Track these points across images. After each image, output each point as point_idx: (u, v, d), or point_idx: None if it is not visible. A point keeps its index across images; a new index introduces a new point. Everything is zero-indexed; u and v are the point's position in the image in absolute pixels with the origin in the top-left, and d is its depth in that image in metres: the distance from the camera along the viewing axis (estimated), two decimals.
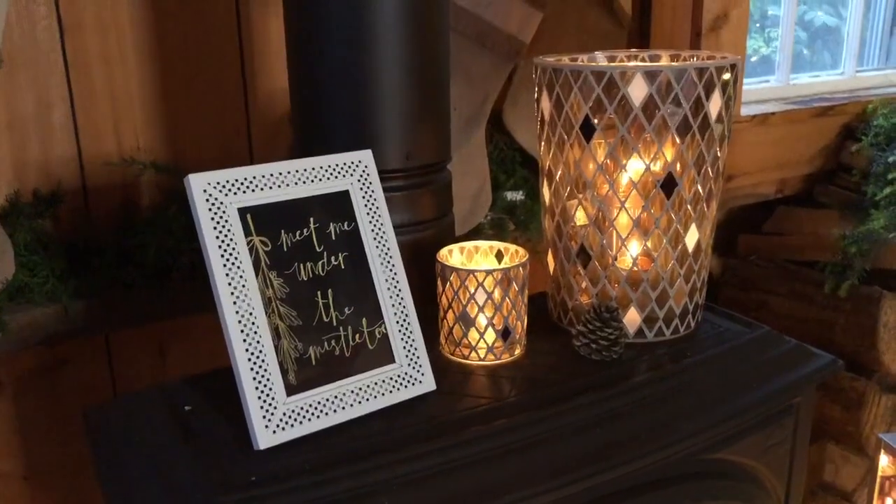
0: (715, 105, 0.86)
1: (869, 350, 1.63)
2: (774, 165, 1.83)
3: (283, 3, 0.97)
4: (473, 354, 0.88)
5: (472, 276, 0.85)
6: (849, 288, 1.64)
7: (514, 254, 0.90)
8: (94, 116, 1.17)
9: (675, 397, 0.85)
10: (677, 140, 0.86)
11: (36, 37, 1.12)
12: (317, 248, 0.77)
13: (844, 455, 1.69)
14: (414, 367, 0.81)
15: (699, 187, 0.89)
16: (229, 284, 0.71)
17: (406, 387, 0.80)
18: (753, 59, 2.06)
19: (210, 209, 0.71)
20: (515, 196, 1.50)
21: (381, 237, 0.81)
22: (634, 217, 0.89)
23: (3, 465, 1.18)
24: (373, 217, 0.81)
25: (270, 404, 0.72)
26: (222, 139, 1.27)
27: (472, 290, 0.85)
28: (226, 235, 0.71)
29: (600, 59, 0.98)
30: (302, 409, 0.74)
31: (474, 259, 0.93)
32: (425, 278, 0.93)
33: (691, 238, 0.91)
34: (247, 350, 0.71)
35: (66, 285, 1.14)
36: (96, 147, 1.19)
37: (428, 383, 0.82)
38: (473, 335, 0.87)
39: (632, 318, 0.92)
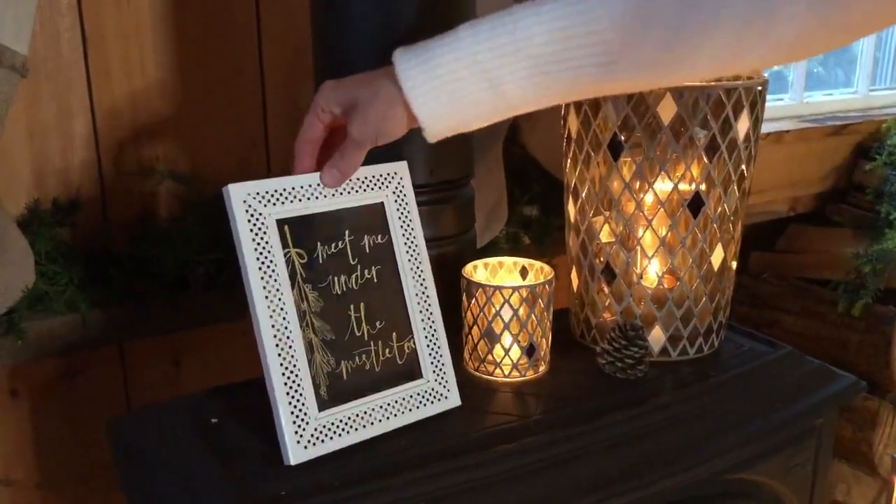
0: (743, 125, 0.86)
1: (882, 370, 1.63)
2: (787, 183, 1.83)
3: (311, 19, 0.97)
4: (498, 371, 0.88)
5: (498, 292, 0.85)
6: (863, 307, 1.64)
7: (539, 270, 0.90)
8: (114, 126, 1.18)
9: (699, 417, 0.85)
10: (705, 159, 0.86)
11: (60, 47, 1.12)
12: (351, 260, 0.77)
13: (856, 474, 1.69)
14: (441, 383, 0.81)
15: (725, 207, 0.89)
16: (266, 297, 0.70)
17: (433, 402, 0.80)
18: (765, 74, 2.06)
19: (249, 220, 0.71)
20: (531, 211, 1.50)
21: (414, 250, 0.81)
22: (660, 235, 0.89)
23: (17, 474, 1.18)
24: (406, 230, 0.81)
25: (303, 419, 0.71)
26: (241, 150, 1.28)
27: (498, 307, 0.85)
28: (264, 247, 0.71)
29: None
30: (333, 424, 0.73)
31: (498, 275, 0.93)
32: (447, 293, 0.93)
33: (717, 257, 0.91)
34: (281, 364, 0.71)
35: (84, 294, 1.14)
36: (115, 156, 1.19)
37: (454, 399, 0.82)
38: (498, 352, 0.87)
39: (656, 336, 0.92)
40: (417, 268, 0.81)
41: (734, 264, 0.95)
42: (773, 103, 1.94)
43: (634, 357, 0.87)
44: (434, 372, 0.81)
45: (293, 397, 0.71)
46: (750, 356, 0.95)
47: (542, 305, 0.86)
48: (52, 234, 1.15)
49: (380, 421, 0.76)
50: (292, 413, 0.71)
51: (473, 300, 0.87)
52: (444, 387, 0.81)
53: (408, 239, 0.81)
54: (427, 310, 0.81)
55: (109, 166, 1.19)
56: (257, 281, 0.70)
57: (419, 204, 0.94)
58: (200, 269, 1.21)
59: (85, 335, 1.14)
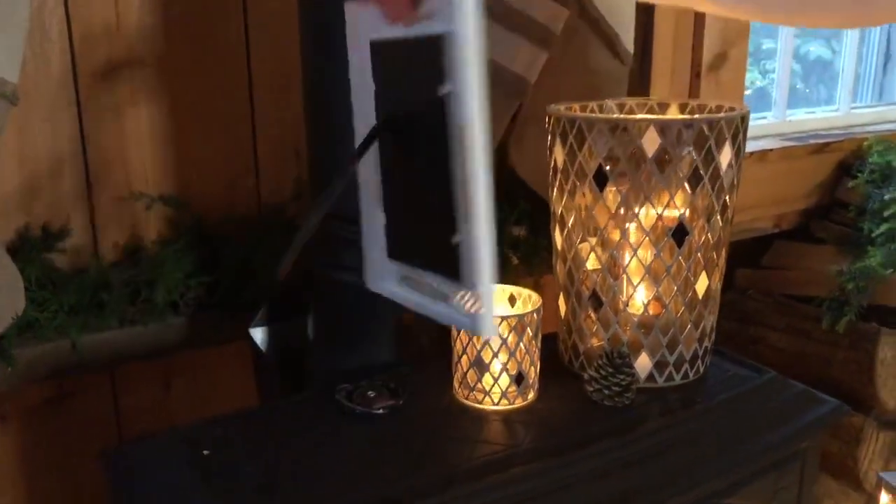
0: (725, 156, 0.88)
1: (866, 386, 1.65)
2: (771, 201, 1.85)
3: (300, 38, 0.98)
4: (487, 399, 0.89)
5: None
6: (846, 324, 1.67)
7: (527, 298, 0.92)
8: (104, 151, 1.18)
9: (687, 443, 0.86)
10: (688, 189, 0.88)
11: (50, 74, 1.13)
12: None
13: (843, 490, 1.70)
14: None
15: (709, 235, 0.91)
16: None
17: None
18: (748, 91, 2.09)
19: None
20: (519, 231, 1.51)
21: None
22: (646, 264, 0.90)
23: (5, 499, 1.18)
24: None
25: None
26: (230, 174, 1.28)
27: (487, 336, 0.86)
28: None
29: (611, 107, 1.00)
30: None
31: None
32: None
33: (701, 285, 0.92)
34: None
35: (74, 320, 1.14)
36: (105, 181, 1.20)
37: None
38: (488, 380, 0.88)
39: (643, 362, 0.93)
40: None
41: (719, 292, 0.97)
42: (756, 122, 1.96)
43: (621, 384, 0.88)
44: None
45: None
46: (735, 381, 0.97)
47: (530, 334, 0.88)
48: (42, 260, 1.15)
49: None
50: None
51: (463, 329, 0.88)
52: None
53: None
54: None
55: (100, 191, 1.19)
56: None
57: None
58: (191, 293, 1.22)
59: (75, 360, 1.14)
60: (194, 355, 1.26)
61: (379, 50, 0.65)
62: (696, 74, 1.65)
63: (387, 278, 0.69)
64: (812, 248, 1.86)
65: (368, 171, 0.69)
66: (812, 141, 1.89)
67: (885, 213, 1.72)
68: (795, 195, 1.88)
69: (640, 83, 1.62)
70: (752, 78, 2.22)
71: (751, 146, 1.81)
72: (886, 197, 1.74)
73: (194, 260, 1.22)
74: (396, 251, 0.68)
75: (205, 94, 1.23)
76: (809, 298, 1.79)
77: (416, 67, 0.62)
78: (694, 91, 1.64)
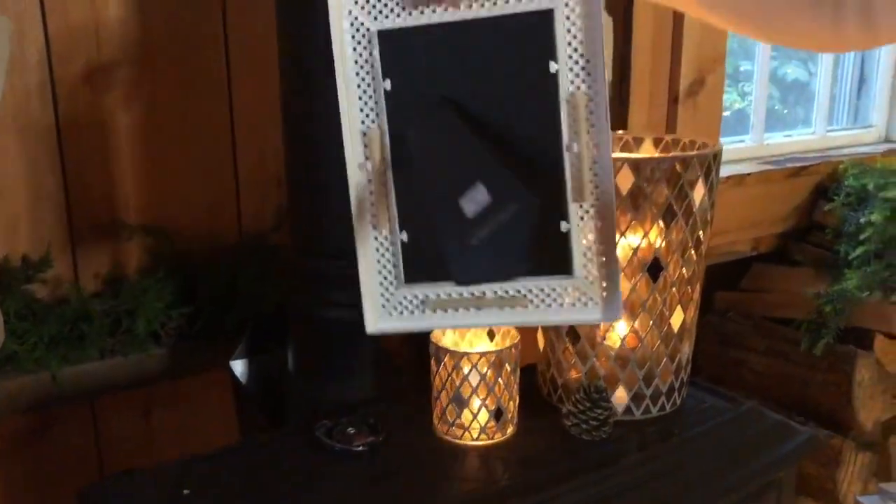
0: (698, 192, 0.90)
1: (844, 408, 1.67)
2: (749, 224, 1.88)
3: (279, 67, 0.99)
4: (466, 435, 0.89)
5: (466, 357, 0.87)
6: (824, 346, 1.69)
7: (506, 333, 0.92)
8: (84, 181, 1.19)
9: (664, 476, 0.87)
10: (662, 225, 0.89)
11: (30, 104, 1.13)
12: None
13: None
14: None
15: (684, 270, 0.92)
16: None
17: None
18: (727, 113, 2.12)
19: None
20: None
21: None
22: (623, 298, 0.91)
23: None
24: None
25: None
26: (211, 202, 1.29)
27: (466, 372, 0.87)
28: None
29: None
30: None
31: (466, 338, 0.95)
32: (417, 355, 0.95)
33: (677, 319, 0.94)
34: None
35: (54, 352, 1.14)
36: (86, 211, 1.20)
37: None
38: (467, 416, 0.89)
39: (620, 395, 0.95)
40: None
41: (694, 324, 0.98)
42: (734, 145, 1.99)
43: (599, 419, 0.89)
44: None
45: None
46: (712, 413, 0.98)
47: (508, 369, 0.89)
48: (22, 292, 1.15)
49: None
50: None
51: (442, 365, 0.89)
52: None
53: None
54: None
55: (80, 222, 1.19)
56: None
57: None
58: (172, 323, 1.22)
59: (55, 392, 1.14)
60: (175, 385, 1.26)
61: (416, 35, 0.61)
62: (673, 100, 1.67)
63: (400, 309, 0.65)
64: (790, 271, 1.88)
65: (372, 188, 0.64)
66: (789, 164, 1.92)
67: (861, 237, 1.75)
68: (773, 218, 1.91)
69: (618, 110, 1.64)
70: (731, 100, 2.25)
71: (729, 170, 1.83)
72: (862, 220, 1.77)
73: (175, 290, 1.22)
74: (426, 271, 0.63)
75: (186, 124, 1.24)
76: (788, 320, 1.81)
77: (504, 47, 0.59)
78: (671, 116, 1.66)
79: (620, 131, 1.08)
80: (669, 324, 0.94)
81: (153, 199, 1.24)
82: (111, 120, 1.19)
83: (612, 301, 0.61)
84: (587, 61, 0.58)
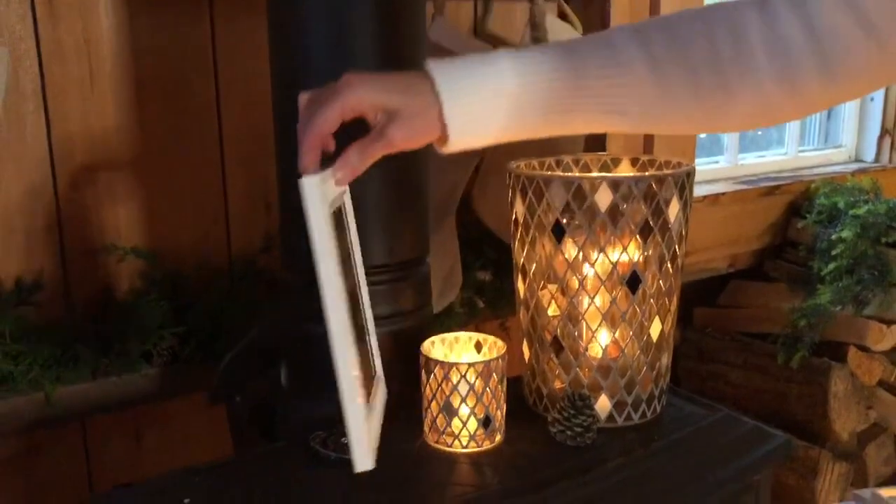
0: (673, 209, 0.94)
1: (821, 419, 1.72)
2: (726, 241, 1.93)
3: (272, 87, 1.03)
4: (456, 443, 0.93)
5: (454, 368, 0.90)
6: (800, 359, 1.73)
7: (493, 345, 0.96)
8: (76, 205, 1.21)
9: (645, 480, 0.91)
10: (640, 240, 0.94)
11: (24, 131, 1.16)
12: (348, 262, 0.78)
13: None
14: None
15: (661, 283, 0.97)
16: (343, 298, 0.69)
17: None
18: (703, 134, 2.18)
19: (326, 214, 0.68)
20: (484, 276, 1.56)
21: (357, 255, 0.85)
22: (603, 310, 0.96)
23: None
24: (352, 234, 0.84)
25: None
26: (201, 225, 1.32)
27: (455, 382, 0.90)
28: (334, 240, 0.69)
29: (567, 162, 1.07)
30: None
31: (455, 349, 0.98)
32: (408, 365, 0.98)
33: (655, 329, 0.98)
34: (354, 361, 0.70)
35: (48, 373, 1.16)
36: (78, 234, 1.22)
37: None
38: (456, 424, 0.92)
39: (602, 404, 0.98)
40: (361, 273, 0.85)
41: (672, 334, 1.02)
42: (709, 166, 2.05)
43: (583, 425, 0.93)
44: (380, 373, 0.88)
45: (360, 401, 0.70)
46: (690, 419, 1.02)
47: (496, 379, 0.92)
48: (15, 314, 1.17)
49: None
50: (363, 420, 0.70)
51: (432, 376, 0.92)
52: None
53: (354, 244, 0.84)
54: (368, 311, 0.86)
55: (71, 244, 1.22)
56: (338, 274, 0.68)
57: (379, 283, 1.00)
58: (164, 344, 1.24)
59: (48, 413, 1.15)
60: (165, 406, 1.28)
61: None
62: None
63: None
64: (766, 287, 1.94)
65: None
66: (763, 184, 1.99)
67: (833, 252, 1.81)
68: (748, 236, 1.97)
69: (598, 133, 1.69)
70: None
71: (705, 189, 1.89)
72: (833, 237, 1.83)
73: (167, 311, 1.24)
74: None
75: (176, 148, 1.27)
76: (765, 335, 1.86)
77: None
78: (648, 138, 1.71)
79: (600, 153, 1.13)
80: (649, 334, 0.98)
81: (144, 222, 1.27)
82: (105, 146, 1.22)
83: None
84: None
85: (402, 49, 0.97)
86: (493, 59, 0.68)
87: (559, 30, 1.42)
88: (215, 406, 1.20)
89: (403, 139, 0.69)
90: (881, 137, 2.25)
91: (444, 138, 0.69)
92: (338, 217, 0.74)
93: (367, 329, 0.85)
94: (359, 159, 0.69)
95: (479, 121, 0.68)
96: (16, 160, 1.16)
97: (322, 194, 0.67)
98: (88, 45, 1.19)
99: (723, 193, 1.90)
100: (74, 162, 1.20)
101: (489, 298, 1.56)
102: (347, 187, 0.78)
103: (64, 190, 1.20)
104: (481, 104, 0.68)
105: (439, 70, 0.68)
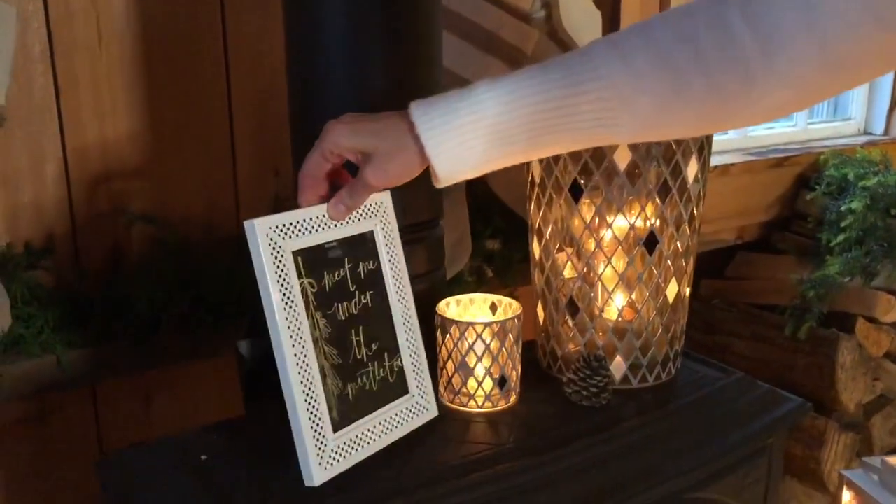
0: (692, 169, 0.93)
1: (828, 390, 1.72)
2: (734, 213, 1.93)
3: (286, 46, 1.02)
4: (472, 402, 0.93)
5: (471, 327, 0.90)
6: (808, 330, 1.73)
7: (508, 306, 0.96)
8: (85, 170, 1.21)
9: (660, 441, 0.91)
10: (658, 201, 0.93)
11: (32, 94, 1.15)
12: (350, 287, 0.81)
13: (808, 492, 1.76)
14: (423, 396, 0.88)
15: (678, 244, 0.96)
16: (288, 328, 0.73)
17: (419, 415, 0.87)
18: None
19: (272, 253, 0.73)
20: (493, 245, 1.56)
21: (398, 274, 0.86)
22: (619, 272, 0.95)
23: None
24: (391, 256, 0.85)
25: (322, 441, 0.75)
26: (210, 191, 1.31)
27: (471, 342, 0.90)
28: (284, 278, 0.74)
29: None
30: (345, 444, 0.78)
31: (469, 311, 0.98)
32: (421, 328, 0.97)
33: (671, 291, 0.98)
34: (303, 391, 0.74)
35: (59, 336, 1.16)
36: (87, 200, 1.22)
37: (433, 410, 0.88)
38: (472, 384, 0.92)
39: (618, 365, 0.98)
40: (402, 290, 0.86)
41: (687, 297, 1.02)
42: (719, 137, 2.04)
43: (598, 386, 0.93)
44: (418, 387, 0.87)
45: (313, 421, 0.75)
46: (704, 382, 1.02)
47: (511, 339, 0.92)
48: (26, 278, 1.17)
49: (380, 437, 0.82)
50: (314, 437, 0.74)
51: (448, 335, 0.92)
52: (426, 399, 0.88)
53: (393, 264, 0.86)
54: (411, 329, 0.87)
55: (81, 209, 1.21)
56: (281, 311, 0.73)
57: None
58: (174, 309, 1.23)
59: (59, 377, 1.15)
60: (174, 371, 1.28)
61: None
62: None
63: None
64: (773, 259, 1.93)
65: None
66: (772, 155, 1.98)
67: (842, 224, 1.80)
68: (757, 208, 1.96)
69: None
70: None
71: (714, 160, 1.88)
72: (843, 208, 1.82)
73: (176, 276, 1.24)
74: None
75: (184, 113, 1.26)
76: (772, 307, 1.86)
77: None
78: None
79: None
80: (665, 296, 0.97)
81: (153, 188, 1.26)
82: (113, 111, 1.21)
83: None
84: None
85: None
86: (470, 92, 0.69)
87: None
88: (224, 371, 1.21)
89: (378, 181, 0.73)
90: (891, 110, 2.24)
91: (434, 176, 0.71)
92: (325, 251, 0.79)
93: (400, 349, 0.87)
94: (349, 198, 0.76)
95: (464, 157, 0.69)
96: (24, 124, 1.15)
97: (269, 238, 0.73)
98: (97, 6, 1.17)
99: (732, 164, 1.89)
100: (83, 127, 1.19)
101: (498, 267, 1.56)
102: (391, 218, 0.86)
103: (73, 154, 1.19)
104: (462, 140, 0.68)
105: (419, 112, 0.69)
